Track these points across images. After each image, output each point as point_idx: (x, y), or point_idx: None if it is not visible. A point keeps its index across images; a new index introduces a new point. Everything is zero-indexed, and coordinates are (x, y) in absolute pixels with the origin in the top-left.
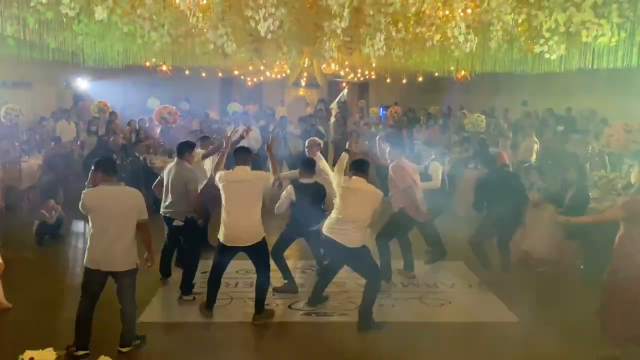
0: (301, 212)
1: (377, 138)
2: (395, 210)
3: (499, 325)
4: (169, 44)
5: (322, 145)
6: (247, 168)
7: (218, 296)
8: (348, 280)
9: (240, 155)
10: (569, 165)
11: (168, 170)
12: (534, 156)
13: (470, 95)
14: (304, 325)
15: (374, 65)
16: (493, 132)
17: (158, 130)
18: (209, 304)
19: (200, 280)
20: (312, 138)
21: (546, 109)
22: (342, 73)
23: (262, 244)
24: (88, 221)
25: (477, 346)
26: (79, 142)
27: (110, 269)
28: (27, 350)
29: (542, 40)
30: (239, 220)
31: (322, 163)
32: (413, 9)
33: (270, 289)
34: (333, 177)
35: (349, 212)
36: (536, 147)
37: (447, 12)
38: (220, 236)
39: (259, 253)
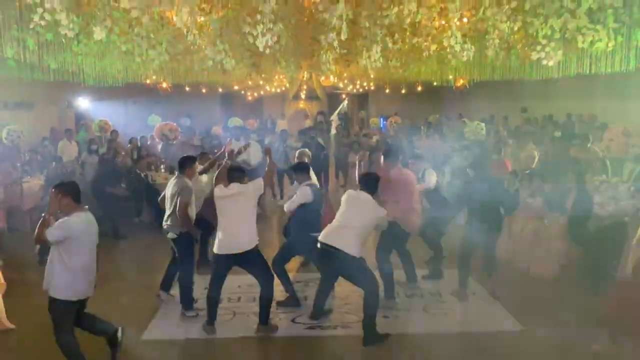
0: (312, 215)
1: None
2: (390, 220)
3: (503, 333)
4: (168, 61)
5: (310, 157)
6: (239, 184)
7: (221, 311)
8: (351, 293)
9: (235, 174)
10: (569, 171)
11: (169, 184)
12: (535, 163)
13: (470, 102)
14: (307, 339)
15: (372, 76)
16: (493, 140)
17: (159, 147)
18: (210, 319)
19: (203, 297)
20: (301, 149)
21: (546, 115)
22: (341, 85)
23: (255, 252)
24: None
25: (482, 355)
26: (79, 162)
27: (88, 295)
28: None
29: (539, 47)
30: (231, 229)
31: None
32: (408, 20)
33: (273, 303)
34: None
35: (349, 218)
36: (536, 153)
37: (443, 22)
38: (215, 247)
39: (254, 263)
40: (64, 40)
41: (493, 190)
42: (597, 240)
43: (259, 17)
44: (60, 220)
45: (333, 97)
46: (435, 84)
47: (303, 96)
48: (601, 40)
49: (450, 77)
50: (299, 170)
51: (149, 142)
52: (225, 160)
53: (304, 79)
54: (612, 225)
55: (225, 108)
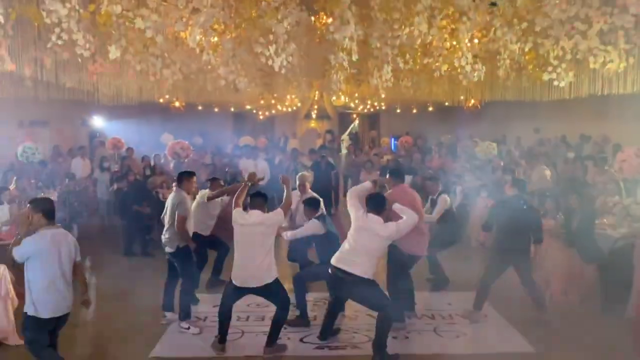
0: (331, 242)
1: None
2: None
3: (515, 356)
4: (181, 80)
5: (311, 179)
6: (260, 212)
7: (229, 330)
8: (360, 312)
9: (256, 200)
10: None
11: (167, 199)
12: (548, 183)
13: (481, 123)
14: (316, 359)
15: (383, 96)
16: (505, 160)
17: (171, 165)
18: (221, 339)
19: (211, 314)
20: (301, 174)
21: (559, 136)
22: (352, 105)
23: (274, 285)
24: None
25: None
26: (92, 179)
27: (60, 313)
28: None
29: (550, 68)
30: (248, 262)
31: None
32: (420, 41)
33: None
34: (349, 207)
35: (360, 244)
36: (549, 174)
37: (454, 43)
38: (232, 275)
39: (272, 294)
40: (80, 59)
41: (524, 215)
42: (610, 262)
43: (271, 37)
44: (24, 239)
45: (344, 117)
46: (446, 104)
47: (314, 115)
48: (613, 61)
49: (462, 97)
50: (309, 205)
51: (162, 161)
52: (245, 181)
53: (315, 98)
54: (625, 247)
55: (237, 127)
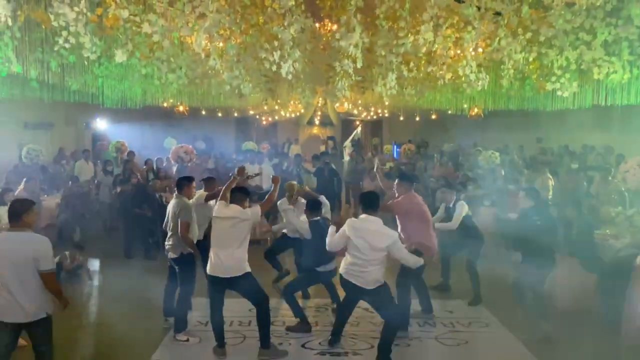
0: (315, 250)
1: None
2: (411, 248)
3: None
4: (186, 85)
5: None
6: (237, 207)
7: (231, 335)
8: (361, 319)
9: (236, 195)
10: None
11: (169, 205)
12: (550, 193)
13: (485, 132)
14: None
15: (386, 103)
16: (508, 169)
17: (174, 169)
18: (219, 344)
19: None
20: (289, 182)
21: (562, 146)
22: (355, 112)
23: (243, 279)
24: None
25: None
26: (95, 182)
27: (19, 320)
28: None
29: (553, 78)
30: (218, 251)
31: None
32: (424, 49)
33: (283, 328)
34: (340, 239)
35: (362, 254)
36: (551, 183)
37: (458, 52)
38: (207, 266)
39: (244, 287)
40: (86, 62)
41: (546, 227)
42: (611, 272)
43: (276, 43)
44: None
45: (347, 124)
46: (449, 112)
47: (317, 122)
48: (616, 72)
49: (465, 105)
50: (308, 207)
51: (164, 164)
52: (234, 175)
53: (319, 104)
54: (627, 257)
55: (240, 132)
